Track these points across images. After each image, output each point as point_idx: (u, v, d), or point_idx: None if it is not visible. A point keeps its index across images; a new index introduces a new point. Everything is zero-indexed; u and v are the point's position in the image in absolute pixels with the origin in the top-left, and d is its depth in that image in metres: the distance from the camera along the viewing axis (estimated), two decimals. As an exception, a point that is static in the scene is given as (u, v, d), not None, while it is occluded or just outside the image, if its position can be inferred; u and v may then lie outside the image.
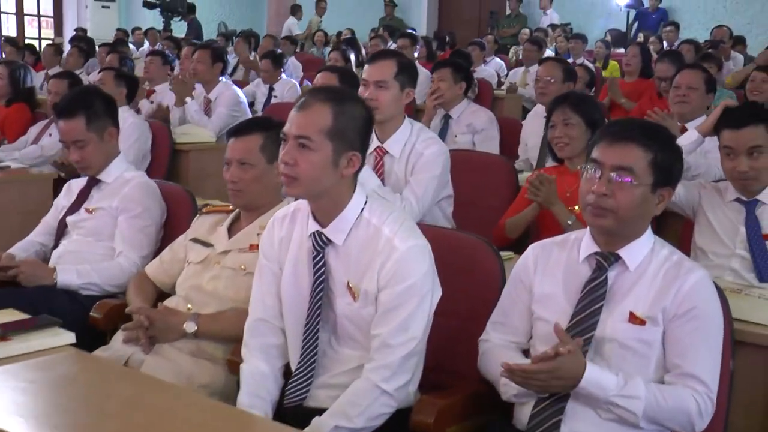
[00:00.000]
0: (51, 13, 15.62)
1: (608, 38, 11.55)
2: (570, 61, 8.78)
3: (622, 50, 10.53)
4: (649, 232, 2.12)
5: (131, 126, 4.84)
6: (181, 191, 3.31)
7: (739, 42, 9.96)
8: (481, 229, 3.55)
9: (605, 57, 9.46)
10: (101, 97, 3.22)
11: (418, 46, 8.16)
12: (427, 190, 3.25)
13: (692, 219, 3.11)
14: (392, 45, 9.31)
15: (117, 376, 2.02)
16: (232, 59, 10.22)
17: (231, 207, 2.82)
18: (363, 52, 8.75)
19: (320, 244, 2.16)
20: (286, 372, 2.29)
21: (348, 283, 2.15)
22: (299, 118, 2.09)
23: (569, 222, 3.14)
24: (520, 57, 9.52)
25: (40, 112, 5.57)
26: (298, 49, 11.79)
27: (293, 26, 13.75)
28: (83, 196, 3.21)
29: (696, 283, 2.01)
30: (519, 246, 3.02)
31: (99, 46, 9.03)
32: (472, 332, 2.35)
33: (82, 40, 10.10)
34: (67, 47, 10.04)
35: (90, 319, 2.83)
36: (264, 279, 2.29)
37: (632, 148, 2.03)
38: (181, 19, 12.36)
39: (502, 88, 8.38)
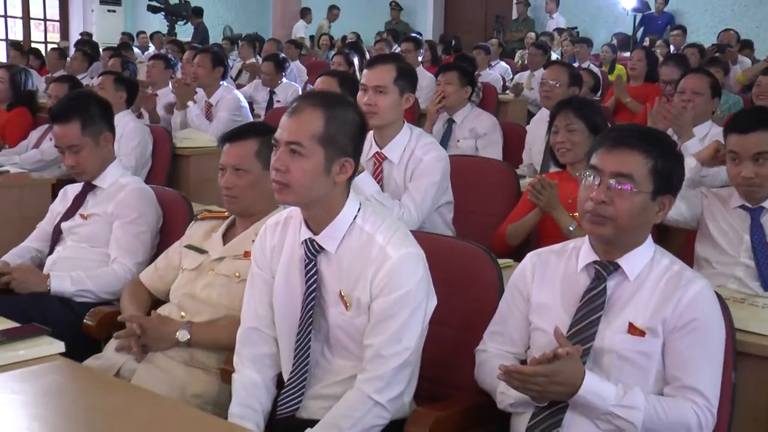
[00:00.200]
0: (57, 17, 15.64)
1: (614, 42, 11.48)
2: (576, 65, 8.76)
3: (628, 54, 10.46)
4: (649, 240, 2.07)
5: (132, 130, 4.82)
6: (177, 197, 3.27)
7: (747, 46, 9.89)
8: (483, 236, 3.51)
9: (611, 61, 9.39)
10: (97, 102, 3.19)
11: (422, 50, 8.10)
12: (426, 197, 3.20)
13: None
14: (397, 49, 9.28)
15: (104, 386, 1.98)
16: (237, 63, 10.21)
17: (226, 213, 2.78)
18: (367, 55, 8.71)
19: (312, 251, 2.12)
20: (279, 382, 2.25)
21: (340, 291, 2.11)
22: (290, 123, 2.05)
23: (571, 228, 3.09)
24: (526, 61, 9.47)
25: (41, 116, 5.54)
26: (303, 52, 11.75)
27: (302, 30, 13.73)
28: (78, 201, 3.18)
29: (697, 294, 1.96)
30: (520, 253, 2.96)
31: (103, 50, 9.02)
32: (470, 342, 2.30)
33: (86, 44, 10.09)
34: (72, 51, 10.05)
35: (83, 326, 2.79)
36: (256, 287, 2.25)
37: (632, 155, 1.98)
38: (186, 23, 12.35)
39: (508, 92, 8.34)
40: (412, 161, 3.25)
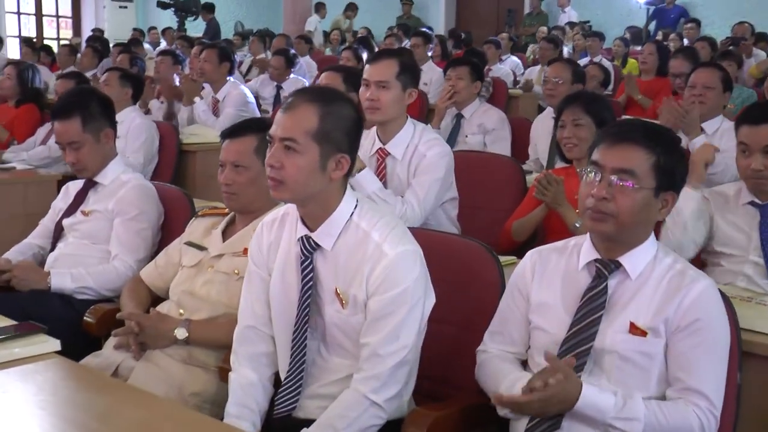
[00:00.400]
0: (69, 14, 15.69)
1: (627, 36, 11.39)
2: (587, 59, 8.69)
3: (640, 48, 10.37)
4: (652, 238, 2.02)
5: (138, 126, 4.81)
6: (179, 193, 3.25)
7: (762, 39, 9.77)
8: (489, 232, 3.48)
9: (624, 55, 9.31)
10: (97, 99, 3.17)
11: (431, 45, 8.05)
12: (430, 193, 3.16)
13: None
14: (407, 44, 9.23)
15: (98, 386, 1.96)
16: (248, 59, 10.20)
17: (227, 210, 2.75)
18: (376, 50, 8.67)
19: (308, 248, 2.09)
20: (277, 381, 2.22)
21: (336, 289, 2.08)
22: (285, 119, 2.02)
23: (577, 224, 3.05)
24: (537, 56, 9.40)
25: (48, 112, 5.53)
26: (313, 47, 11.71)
27: (314, 24, 13.69)
28: (80, 198, 3.16)
29: (700, 294, 1.91)
30: (525, 250, 2.92)
31: (113, 47, 9.02)
32: (471, 340, 2.27)
33: (97, 40, 10.10)
34: (84, 48, 10.06)
35: (83, 323, 2.78)
36: (253, 285, 2.22)
37: (634, 150, 1.94)
38: (195, 19, 12.35)
39: (518, 87, 8.28)
40: (415, 157, 3.21)
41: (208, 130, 5.36)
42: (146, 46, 11.67)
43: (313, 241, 2.09)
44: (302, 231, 2.11)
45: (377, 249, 2.02)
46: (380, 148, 3.27)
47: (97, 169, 3.13)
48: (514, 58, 9.95)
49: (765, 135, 2.75)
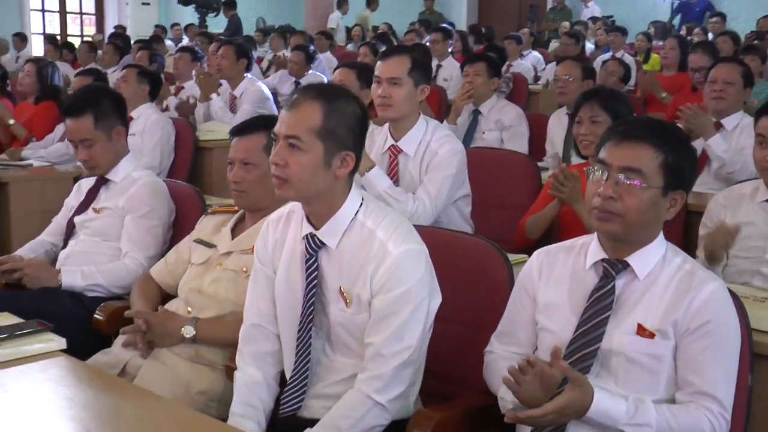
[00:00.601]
0: (93, 11, 15.81)
1: (651, 30, 11.26)
2: (610, 54, 8.61)
3: (664, 43, 10.25)
4: (660, 238, 1.98)
5: (154, 123, 4.82)
6: (190, 191, 3.25)
7: (789, 33, 9.62)
8: (503, 230, 3.45)
9: (647, 50, 9.21)
10: (110, 96, 3.17)
11: (451, 41, 8.01)
12: (442, 190, 3.14)
13: None
14: (428, 39, 9.19)
15: (101, 385, 1.95)
16: (269, 55, 10.20)
17: (236, 207, 2.74)
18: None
19: (313, 247, 2.07)
20: (283, 380, 2.21)
21: (340, 288, 2.06)
22: (289, 117, 2.00)
23: (593, 222, 3.00)
24: (558, 51, 9.33)
25: (68, 109, 5.56)
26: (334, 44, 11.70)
27: (336, 21, 13.68)
28: (92, 195, 3.17)
29: (710, 296, 1.87)
30: (540, 247, 2.90)
31: (133, 43, 9.06)
32: (479, 340, 2.24)
33: (118, 37, 10.16)
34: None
35: (93, 321, 2.78)
36: (258, 283, 2.21)
37: (641, 149, 1.90)
38: (216, 15, 12.38)
39: (539, 83, 8.21)
40: (427, 154, 3.19)
41: (225, 127, 5.34)
42: (168, 42, 11.70)
43: (318, 239, 2.07)
44: (307, 229, 2.09)
45: (382, 248, 2.01)
46: (392, 145, 3.25)
47: (109, 167, 3.13)
48: (536, 54, 9.87)
49: None
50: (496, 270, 2.33)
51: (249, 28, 13.86)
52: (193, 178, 4.89)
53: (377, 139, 3.33)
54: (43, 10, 15.40)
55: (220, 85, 5.79)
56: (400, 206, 3.03)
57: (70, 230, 3.17)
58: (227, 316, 2.51)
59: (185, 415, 1.87)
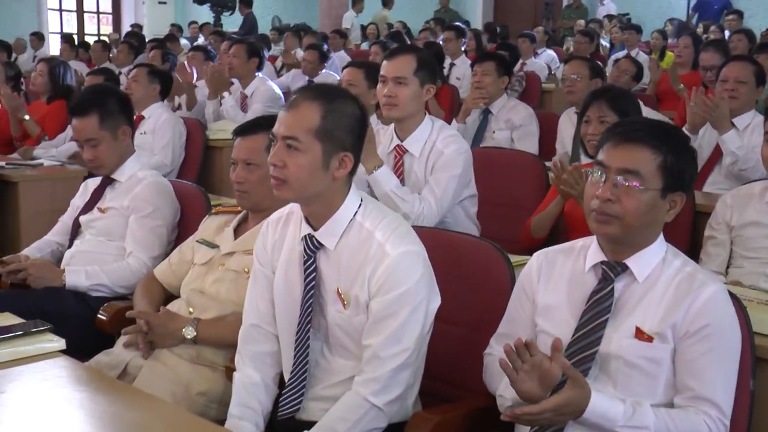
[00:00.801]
0: (110, 10, 15.89)
1: (668, 28, 11.17)
2: (624, 52, 8.55)
3: (681, 41, 10.15)
4: (660, 240, 1.95)
5: (165, 122, 4.84)
6: (195, 191, 3.25)
7: (806, 31, 9.52)
8: (510, 230, 3.43)
9: (662, 48, 9.13)
10: (115, 96, 3.17)
11: (464, 39, 7.98)
12: (447, 190, 3.12)
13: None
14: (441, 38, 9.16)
15: (98, 387, 1.94)
16: (283, 54, 10.20)
17: (240, 208, 2.74)
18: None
19: (312, 248, 2.07)
20: (282, 382, 2.20)
21: (338, 289, 2.05)
22: (287, 118, 2.00)
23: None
24: (572, 49, 9.28)
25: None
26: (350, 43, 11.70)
27: (350, 20, 13.68)
28: (97, 195, 3.18)
29: (709, 299, 1.84)
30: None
31: (148, 42, 9.09)
32: (481, 341, 2.23)
33: (133, 36, 10.19)
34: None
35: (96, 321, 2.79)
36: (258, 284, 2.21)
37: (639, 150, 1.87)
38: (231, 14, 12.41)
39: (553, 80, 8.16)
40: (433, 154, 3.17)
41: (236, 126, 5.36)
42: (183, 41, 11.73)
43: (316, 240, 2.06)
44: (306, 230, 2.09)
45: (380, 249, 2.00)
46: (398, 145, 3.24)
47: (114, 166, 3.14)
48: (550, 52, 9.82)
49: None
50: (498, 271, 2.32)
51: (265, 27, 13.88)
52: (203, 177, 4.90)
53: (383, 138, 3.31)
54: (60, 10, 15.49)
55: (232, 83, 5.79)
56: (406, 206, 3.02)
57: (75, 230, 3.18)
58: (229, 316, 2.50)
59: (181, 417, 1.86)
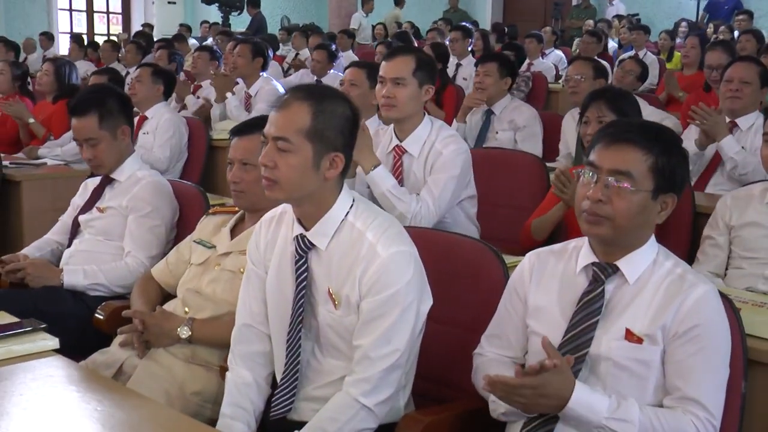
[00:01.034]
0: (119, 10, 15.93)
1: (683, 29, 11.11)
2: (632, 52, 8.51)
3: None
4: (651, 241, 1.94)
5: (167, 122, 4.84)
6: (194, 191, 3.25)
7: (816, 32, 9.45)
8: (510, 231, 3.43)
9: (670, 48, 9.09)
10: (115, 96, 3.18)
11: (471, 40, 7.96)
12: (445, 191, 3.11)
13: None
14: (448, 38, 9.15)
15: (89, 386, 1.94)
16: (291, 54, 10.22)
17: (237, 208, 2.74)
18: (415, 45, 8.61)
19: (303, 248, 2.07)
20: (274, 381, 2.20)
21: (329, 289, 2.05)
22: (277, 118, 2.00)
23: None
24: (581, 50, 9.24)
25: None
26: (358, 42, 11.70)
27: (358, 20, 13.68)
28: (96, 194, 3.19)
29: (699, 300, 1.83)
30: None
31: (156, 42, 9.12)
32: (474, 342, 2.22)
33: (142, 36, 10.22)
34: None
35: (94, 320, 2.79)
36: (251, 284, 2.21)
37: (630, 151, 1.87)
38: (239, 14, 12.42)
39: (560, 81, 8.14)
40: (432, 154, 3.16)
41: (240, 126, 5.37)
42: (192, 41, 11.75)
43: (308, 240, 2.06)
44: (298, 230, 2.09)
45: (371, 249, 1.99)
46: (397, 145, 3.23)
47: (114, 166, 3.15)
48: (558, 52, 9.79)
49: None
50: (492, 272, 2.31)
51: (274, 27, 13.89)
52: (207, 177, 4.90)
53: (382, 139, 3.31)
54: (70, 10, 15.54)
55: (237, 83, 5.80)
56: (403, 206, 3.01)
57: (75, 229, 3.19)
58: (224, 316, 2.51)
59: (172, 417, 1.86)
